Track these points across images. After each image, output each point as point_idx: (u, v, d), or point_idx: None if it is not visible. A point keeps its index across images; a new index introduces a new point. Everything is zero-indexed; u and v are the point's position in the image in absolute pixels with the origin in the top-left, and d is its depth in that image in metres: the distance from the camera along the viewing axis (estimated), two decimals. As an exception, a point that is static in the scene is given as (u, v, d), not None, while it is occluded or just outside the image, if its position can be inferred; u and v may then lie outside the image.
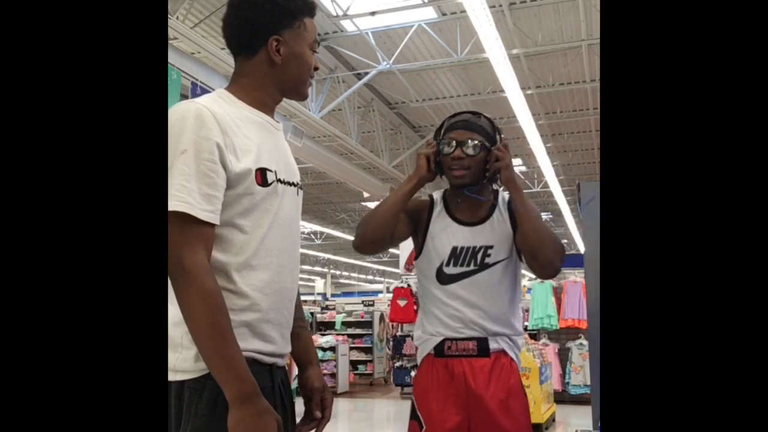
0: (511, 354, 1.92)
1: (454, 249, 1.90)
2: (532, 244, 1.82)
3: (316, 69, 1.49)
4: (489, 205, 1.96)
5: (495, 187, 1.99)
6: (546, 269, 1.86)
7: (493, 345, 1.88)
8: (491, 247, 1.90)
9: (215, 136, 1.26)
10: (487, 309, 1.88)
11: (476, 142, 1.87)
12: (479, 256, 1.90)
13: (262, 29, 1.38)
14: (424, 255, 1.96)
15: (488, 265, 1.89)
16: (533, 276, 10.83)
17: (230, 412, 1.20)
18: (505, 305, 1.91)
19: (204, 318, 1.19)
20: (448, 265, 1.91)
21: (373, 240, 1.87)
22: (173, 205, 1.21)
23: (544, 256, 1.82)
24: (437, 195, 2.03)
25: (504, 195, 1.99)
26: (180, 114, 1.27)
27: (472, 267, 1.90)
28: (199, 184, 1.23)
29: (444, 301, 1.91)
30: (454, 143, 1.89)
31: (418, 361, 1.99)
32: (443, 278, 1.92)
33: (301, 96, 1.50)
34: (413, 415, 1.91)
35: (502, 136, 1.96)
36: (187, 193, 1.22)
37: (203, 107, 1.28)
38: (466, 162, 1.87)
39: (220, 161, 1.26)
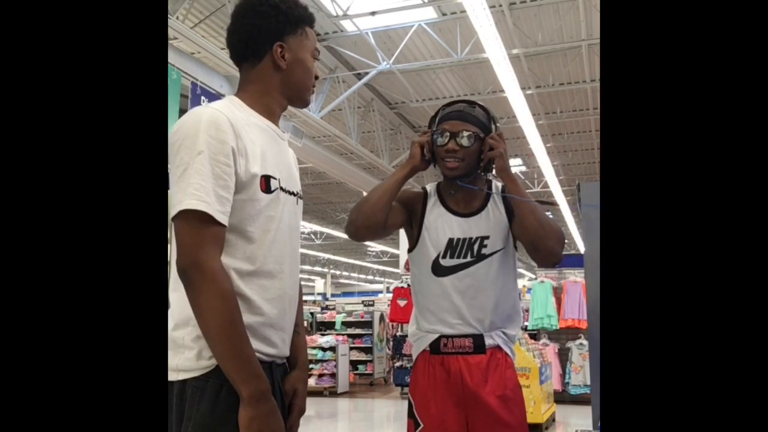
0: (506, 349, 1.90)
1: (450, 240, 1.88)
2: (532, 234, 1.80)
3: (316, 78, 1.52)
4: (483, 195, 1.94)
5: (488, 176, 1.97)
6: (549, 258, 1.84)
7: (488, 341, 1.86)
8: (487, 237, 1.88)
9: (230, 140, 1.29)
10: (485, 300, 1.86)
11: (470, 133, 1.85)
12: (476, 246, 1.88)
13: (268, 35, 1.42)
14: (419, 247, 1.93)
15: (485, 256, 1.87)
16: (533, 276, 10.83)
17: (243, 409, 1.22)
18: (502, 295, 1.89)
19: (222, 318, 1.22)
20: (444, 256, 1.88)
21: (366, 225, 1.83)
22: (191, 203, 1.23)
23: (545, 246, 1.80)
24: (431, 187, 2.01)
25: (497, 184, 1.98)
26: (195, 117, 1.30)
27: (469, 258, 1.88)
28: (214, 186, 1.25)
29: (440, 294, 1.88)
30: (447, 134, 1.86)
31: (414, 357, 1.96)
32: (439, 270, 1.89)
33: (304, 102, 1.53)
34: (410, 414, 1.90)
35: (497, 125, 1.94)
36: (204, 192, 1.24)
37: (218, 111, 1.31)
38: (459, 153, 1.85)
39: (233, 165, 1.29)
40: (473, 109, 1.92)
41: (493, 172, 1.90)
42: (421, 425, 1.85)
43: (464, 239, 1.88)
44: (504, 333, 1.90)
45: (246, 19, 1.43)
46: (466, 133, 1.85)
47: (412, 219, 1.96)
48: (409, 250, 1.97)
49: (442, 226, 1.91)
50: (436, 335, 1.88)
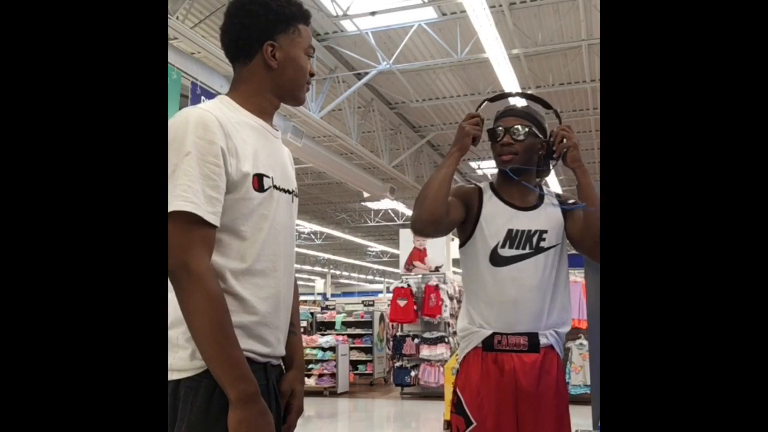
0: (558, 349, 1.89)
1: (510, 231, 1.87)
2: (595, 238, 1.80)
3: (312, 75, 1.51)
4: (537, 193, 1.95)
5: (553, 165, 2.00)
6: (596, 262, 1.87)
7: (543, 340, 1.84)
8: (546, 231, 1.89)
9: (219, 140, 1.28)
10: (541, 295, 1.85)
11: (521, 126, 1.89)
12: (534, 239, 1.88)
13: (258, 34, 1.41)
14: (476, 239, 1.91)
15: (543, 249, 1.87)
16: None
17: (232, 411, 1.21)
18: (557, 292, 1.89)
19: (209, 320, 1.21)
20: (503, 246, 1.87)
21: (431, 220, 1.81)
22: (179, 204, 1.22)
23: (598, 252, 1.82)
24: (484, 185, 2.02)
25: (550, 191, 2.01)
26: (183, 118, 1.29)
27: (527, 250, 1.87)
28: (203, 186, 1.25)
29: (497, 284, 1.86)
30: (502, 130, 1.91)
31: (461, 353, 1.93)
32: (498, 260, 1.87)
33: (298, 100, 1.52)
34: (459, 411, 1.86)
35: (560, 119, 1.99)
36: (192, 193, 1.24)
37: (206, 111, 1.31)
38: (514, 147, 1.89)
39: (223, 165, 1.28)
40: (527, 108, 1.97)
41: (567, 162, 1.89)
42: (474, 423, 1.82)
43: (524, 231, 1.88)
44: (556, 332, 1.89)
45: (236, 18, 1.42)
46: (518, 128, 1.89)
47: (469, 213, 1.94)
48: (462, 245, 1.96)
49: (500, 217, 1.90)
50: (490, 331, 1.85)
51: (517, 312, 1.84)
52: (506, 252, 1.87)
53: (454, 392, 1.90)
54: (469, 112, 1.98)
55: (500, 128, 1.92)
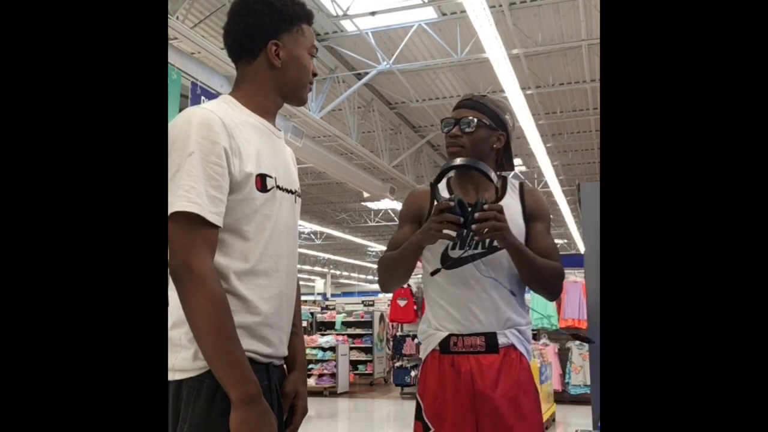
0: (521, 348, 1.80)
1: (460, 231, 1.71)
2: (533, 287, 1.83)
3: (315, 75, 1.51)
4: (495, 187, 1.76)
5: (502, 173, 1.86)
6: (551, 298, 1.89)
7: (502, 339, 1.76)
8: None
9: (222, 140, 1.28)
10: (497, 295, 1.77)
11: (472, 119, 1.80)
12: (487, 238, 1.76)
13: (262, 33, 1.41)
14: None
15: (496, 248, 1.77)
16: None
17: (233, 412, 1.21)
18: (515, 290, 1.81)
19: (211, 321, 1.21)
20: (453, 248, 1.79)
21: (396, 286, 1.89)
22: (182, 205, 1.22)
23: (547, 294, 1.85)
24: (441, 184, 1.89)
25: (513, 181, 1.89)
26: (186, 118, 1.29)
27: (479, 250, 1.78)
28: (206, 186, 1.25)
29: (449, 287, 1.79)
30: (452, 121, 1.83)
31: (422, 357, 1.86)
32: (449, 262, 1.79)
33: (301, 100, 1.51)
34: (418, 416, 1.80)
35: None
36: (195, 194, 1.23)
37: (209, 111, 1.30)
38: (462, 140, 1.80)
39: (226, 165, 1.28)
40: (485, 97, 1.87)
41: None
42: (431, 429, 1.75)
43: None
44: (518, 330, 1.81)
45: (240, 17, 1.42)
46: (469, 119, 1.80)
47: (422, 220, 1.85)
48: None
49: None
50: (446, 333, 1.78)
51: (471, 313, 1.76)
52: (456, 253, 1.78)
53: (416, 397, 1.84)
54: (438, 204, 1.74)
55: (450, 119, 1.83)
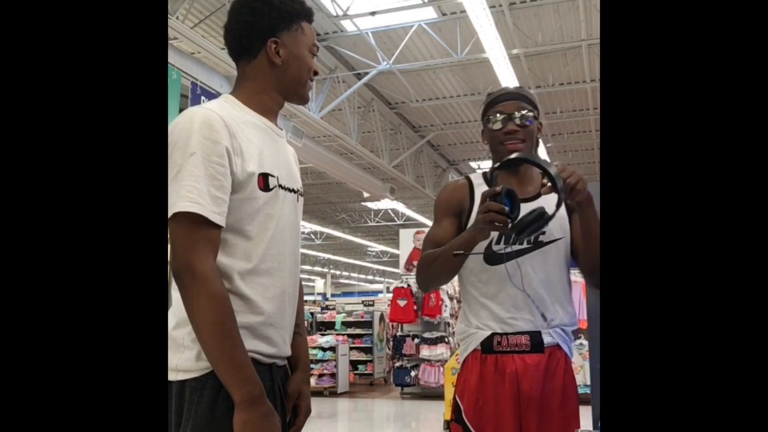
0: (566, 349, 1.74)
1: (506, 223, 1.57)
2: (593, 270, 1.67)
3: (316, 74, 1.50)
4: (539, 182, 1.71)
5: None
6: (597, 284, 1.70)
7: (547, 339, 1.69)
8: None
9: (224, 139, 1.28)
10: (542, 292, 1.69)
11: (528, 112, 1.73)
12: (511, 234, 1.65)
13: (261, 32, 1.41)
14: None
15: (542, 244, 1.70)
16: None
17: (237, 413, 1.21)
18: (560, 289, 1.73)
19: (213, 321, 1.21)
20: (498, 242, 1.70)
21: (438, 287, 1.74)
22: (184, 205, 1.22)
23: (597, 277, 1.68)
24: (476, 175, 1.83)
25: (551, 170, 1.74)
26: (188, 118, 1.29)
27: (524, 245, 1.69)
28: (208, 186, 1.25)
29: (492, 284, 1.70)
30: (503, 116, 1.72)
31: (462, 357, 1.77)
32: (492, 258, 1.70)
33: (302, 98, 1.51)
34: (458, 419, 1.71)
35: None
36: (197, 194, 1.23)
37: (211, 111, 1.30)
38: (520, 134, 1.72)
39: (228, 165, 1.28)
40: (521, 88, 1.80)
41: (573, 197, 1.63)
42: None
43: None
44: (563, 330, 1.74)
45: (240, 15, 1.42)
46: (524, 113, 1.72)
47: (461, 215, 1.76)
48: None
49: None
50: (489, 332, 1.70)
51: (516, 311, 1.69)
52: (501, 249, 1.69)
53: (454, 399, 1.76)
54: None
55: (500, 114, 1.73)
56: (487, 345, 1.70)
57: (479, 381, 1.70)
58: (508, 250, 1.68)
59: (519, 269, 1.68)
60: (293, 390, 1.44)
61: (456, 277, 1.80)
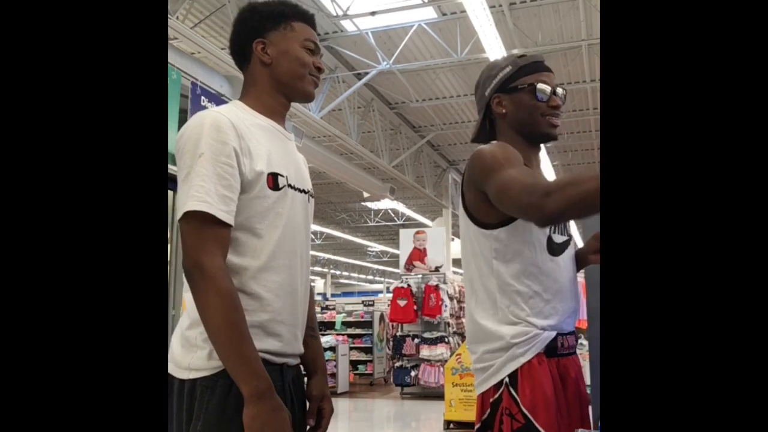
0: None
1: None
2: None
3: (320, 71, 1.52)
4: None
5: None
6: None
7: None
8: None
9: (232, 141, 1.31)
10: (577, 288, 1.57)
11: (564, 90, 1.61)
12: (564, 223, 1.57)
13: (248, 35, 1.48)
14: (522, 222, 1.47)
15: (571, 236, 1.60)
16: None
17: (246, 407, 1.23)
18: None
19: (222, 318, 1.23)
20: (555, 232, 1.54)
21: (567, 219, 1.39)
22: (192, 205, 1.25)
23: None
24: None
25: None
26: (197, 122, 1.33)
27: (566, 236, 1.57)
28: (216, 185, 1.27)
29: (556, 278, 1.51)
30: (550, 89, 1.56)
31: (508, 365, 1.48)
32: (554, 248, 1.52)
33: (303, 93, 1.51)
34: None
35: None
36: (205, 192, 1.26)
37: (219, 114, 1.34)
38: (560, 111, 1.60)
39: (236, 165, 1.31)
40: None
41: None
42: None
43: None
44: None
45: (233, 28, 1.51)
46: (563, 89, 1.63)
47: None
48: (497, 226, 1.49)
49: None
50: (554, 333, 1.49)
51: (574, 308, 1.54)
52: (558, 238, 1.52)
53: (506, 414, 1.45)
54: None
55: (547, 87, 1.56)
56: (551, 347, 1.49)
57: (549, 390, 1.46)
58: (561, 239, 1.52)
59: (567, 263, 1.54)
60: (318, 393, 1.50)
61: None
